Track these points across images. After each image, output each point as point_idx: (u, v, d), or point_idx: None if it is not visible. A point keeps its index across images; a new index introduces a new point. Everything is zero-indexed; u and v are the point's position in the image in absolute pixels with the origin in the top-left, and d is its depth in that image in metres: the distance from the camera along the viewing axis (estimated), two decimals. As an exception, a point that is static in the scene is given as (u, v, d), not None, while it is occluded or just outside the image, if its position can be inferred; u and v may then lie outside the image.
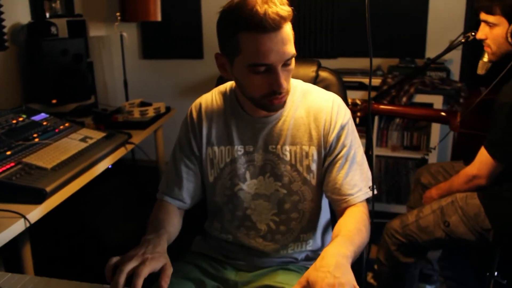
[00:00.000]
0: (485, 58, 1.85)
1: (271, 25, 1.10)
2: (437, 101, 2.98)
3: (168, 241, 1.23)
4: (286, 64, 1.17)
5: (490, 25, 1.67)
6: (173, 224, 1.34)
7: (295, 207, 1.36)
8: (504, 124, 1.59)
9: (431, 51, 3.33)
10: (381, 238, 2.04)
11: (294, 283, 1.30)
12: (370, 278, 2.26)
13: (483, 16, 1.68)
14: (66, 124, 2.28)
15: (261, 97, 1.21)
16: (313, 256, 1.45)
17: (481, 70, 1.89)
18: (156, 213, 1.37)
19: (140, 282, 1.02)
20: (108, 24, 3.80)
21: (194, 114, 1.40)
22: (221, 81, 1.72)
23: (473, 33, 1.90)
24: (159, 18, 3.33)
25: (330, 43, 3.48)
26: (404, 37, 3.34)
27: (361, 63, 3.46)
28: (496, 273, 1.98)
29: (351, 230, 1.21)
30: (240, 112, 1.35)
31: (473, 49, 3.14)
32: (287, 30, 1.14)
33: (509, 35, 1.61)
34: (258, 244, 1.41)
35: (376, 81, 3.13)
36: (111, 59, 3.93)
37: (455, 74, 3.30)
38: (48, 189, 1.64)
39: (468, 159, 1.95)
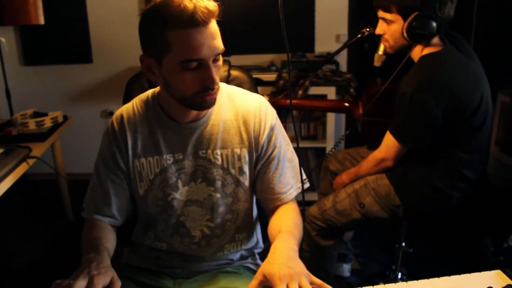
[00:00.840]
0: (380, 52, 2.02)
1: (201, 20, 1.10)
2: (330, 92, 3.17)
3: (109, 256, 1.19)
4: (215, 59, 1.17)
5: (388, 22, 1.82)
6: (109, 240, 1.29)
7: (229, 208, 1.37)
8: (406, 111, 1.76)
9: (320, 45, 3.53)
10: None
11: (237, 285, 1.35)
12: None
13: (380, 13, 1.83)
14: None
15: (194, 94, 1.19)
16: (248, 254, 1.49)
17: (377, 62, 2.06)
18: (89, 232, 1.30)
19: None
20: (-19, 29, 3.46)
21: (116, 126, 1.33)
22: (133, 85, 1.67)
23: (367, 29, 2.07)
24: (41, 21, 3.09)
25: (223, 41, 3.51)
26: (293, 33, 3.49)
27: (254, 59, 3.56)
28: (403, 244, 2.20)
29: (290, 226, 1.28)
30: (166, 120, 1.31)
31: (358, 43, 3.43)
32: (215, 25, 1.15)
33: (404, 31, 1.78)
34: (193, 251, 1.41)
35: (271, 77, 3.24)
36: (-14, 67, 3.57)
37: (343, 66, 3.54)
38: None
39: (372, 144, 2.13)
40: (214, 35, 1.14)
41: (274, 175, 1.35)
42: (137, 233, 1.48)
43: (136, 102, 1.37)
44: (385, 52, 1.99)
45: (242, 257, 1.48)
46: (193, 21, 1.10)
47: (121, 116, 1.35)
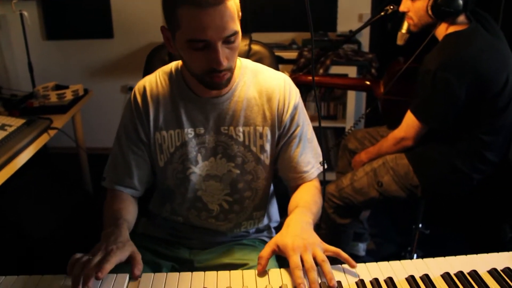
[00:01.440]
0: (404, 30, 1.99)
1: (210, 1, 1.07)
2: (351, 71, 3.13)
3: (128, 229, 1.20)
4: (228, 41, 1.13)
5: None
6: (130, 212, 1.30)
7: (249, 186, 1.37)
8: (429, 89, 1.73)
9: (342, 25, 3.48)
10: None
11: (252, 257, 1.36)
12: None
13: None
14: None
15: (202, 74, 1.18)
16: (264, 228, 1.50)
17: (400, 41, 2.03)
18: (110, 204, 1.31)
19: (108, 267, 1.00)
20: (4, 2, 3.48)
21: (139, 98, 1.33)
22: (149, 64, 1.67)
23: (391, 7, 2.03)
24: (64, -5, 3.12)
25: (243, 19, 3.48)
26: (315, 11, 3.44)
27: (275, 37, 3.52)
28: (420, 225, 2.19)
29: (308, 202, 1.29)
30: (188, 93, 1.30)
31: (381, 23, 3.37)
32: (230, 5, 1.10)
33: (429, 8, 1.74)
34: (211, 224, 1.41)
35: (292, 55, 3.21)
36: (9, 41, 3.61)
37: (365, 46, 3.49)
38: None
39: (392, 123, 2.10)
40: (225, 17, 1.09)
41: (296, 153, 1.35)
42: (154, 204, 1.50)
43: (159, 74, 1.36)
44: (408, 31, 1.96)
45: (258, 231, 1.49)
46: (201, 1, 1.06)
47: (144, 88, 1.34)
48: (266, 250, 1.09)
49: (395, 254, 2.47)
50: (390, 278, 1.00)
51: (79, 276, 0.97)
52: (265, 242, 1.47)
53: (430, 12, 1.74)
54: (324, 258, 1.04)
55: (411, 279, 1.00)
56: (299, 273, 1.00)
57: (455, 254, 1.09)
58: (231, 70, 1.20)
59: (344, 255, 1.06)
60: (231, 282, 1.02)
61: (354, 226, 2.17)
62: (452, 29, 1.76)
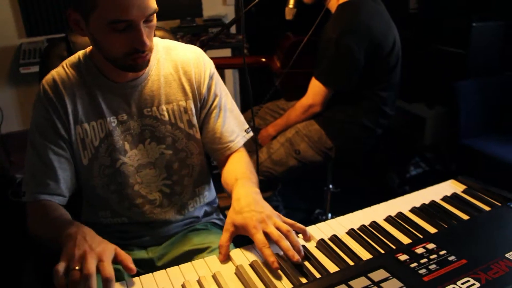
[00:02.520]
0: (291, 5, 2.08)
1: None
2: (226, 54, 3.20)
3: None
4: (148, 20, 1.08)
5: None
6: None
7: (184, 163, 1.33)
8: (332, 56, 1.86)
9: (208, 10, 3.50)
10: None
11: (211, 239, 1.33)
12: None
13: None
14: None
15: (124, 56, 1.11)
16: (211, 210, 1.47)
17: (288, 15, 2.11)
18: (42, 215, 1.15)
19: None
20: None
21: (51, 93, 1.20)
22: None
23: None
24: None
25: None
26: (181, -1, 3.42)
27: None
28: (330, 186, 2.34)
29: (246, 172, 1.27)
30: (104, 80, 1.22)
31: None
32: None
33: None
34: (157, 214, 1.33)
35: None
36: None
37: (232, 28, 3.56)
38: None
39: (290, 95, 2.21)
40: None
41: (219, 124, 1.32)
42: (87, 214, 1.36)
43: (67, 64, 1.24)
44: (295, 5, 2.06)
45: (207, 214, 1.45)
46: None
47: (53, 81, 1.21)
48: (225, 236, 1.06)
49: (308, 219, 2.61)
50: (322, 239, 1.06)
51: None
52: (216, 225, 1.46)
53: None
54: (288, 228, 1.03)
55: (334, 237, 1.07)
56: (268, 251, 0.98)
57: (358, 209, 1.19)
58: (151, 50, 1.15)
59: (300, 225, 1.08)
60: (198, 272, 0.98)
61: (271, 200, 2.24)
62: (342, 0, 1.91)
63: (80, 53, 1.26)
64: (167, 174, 1.31)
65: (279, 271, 0.95)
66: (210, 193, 1.45)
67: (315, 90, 1.96)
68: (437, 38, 3.09)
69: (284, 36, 2.28)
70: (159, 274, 0.98)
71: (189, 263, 1.01)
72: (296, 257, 0.96)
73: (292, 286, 0.91)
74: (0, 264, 2.37)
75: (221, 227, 1.46)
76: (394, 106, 2.07)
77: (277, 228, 1.02)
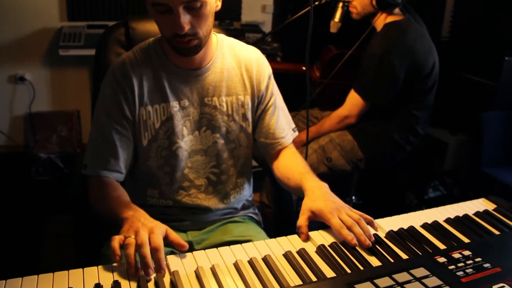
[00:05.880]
0: (336, 19, 2.17)
1: None
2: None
3: None
4: (191, 7, 1.14)
5: None
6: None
7: (232, 154, 1.41)
8: (374, 71, 1.95)
9: (246, 15, 3.61)
10: (263, 183, 2.24)
11: (251, 233, 1.40)
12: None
13: None
14: None
15: (170, 38, 1.20)
16: (249, 204, 1.55)
17: (333, 29, 2.20)
18: (101, 192, 1.25)
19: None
20: None
21: (120, 75, 1.29)
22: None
23: None
24: None
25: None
26: (222, 2, 3.50)
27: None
28: (353, 197, 2.42)
29: (306, 167, 1.39)
30: (170, 66, 1.31)
31: (281, 11, 3.57)
32: None
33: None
34: (201, 200, 1.41)
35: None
36: None
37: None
38: None
39: (325, 105, 2.30)
40: None
41: (273, 121, 1.42)
42: (134, 193, 1.43)
43: (136, 50, 1.34)
44: (341, 19, 2.15)
45: (244, 207, 1.53)
46: None
47: (123, 62, 1.31)
48: (303, 218, 1.16)
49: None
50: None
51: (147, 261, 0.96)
52: (253, 219, 1.53)
53: (374, 2, 1.95)
54: (359, 216, 1.15)
55: None
56: (346, 231, 1.09)
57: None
58: (197, 36, 1.20)
59: (367, 216, 1.17)
60: (236, 256, 1.05)
61: (298, 204, 2.31)
62: (390, 19, 2.00)
63: (151, 39, 1.35)
64: (216, 162, 1.39)
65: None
66: (249, 187, 1.53)
67: (353, 102, 2.04)
68: (467, 67, 3.17)
69: (326, 48, 2.37)
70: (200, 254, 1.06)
71: (226, 247, 1.09)
72: (367, 242, 1.07)
73: (350, 270, 1.00)
74: (20, 241, 2.45)
75: (257, 222, 1.54)
76: (426, 126, 2.15)
77: (349, 216, 1.13)
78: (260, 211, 2.22)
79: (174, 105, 1.31)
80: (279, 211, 2.20)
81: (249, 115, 1.39)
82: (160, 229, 1.05)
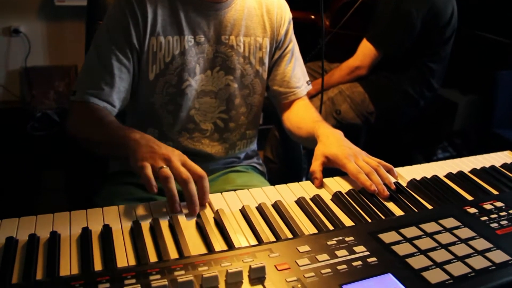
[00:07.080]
0: None
1: None
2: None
3: None
4: None
5: None
6: None
7: (244, 101, 1.31)
8: (388, 19, 1.82)
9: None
10: (266, 139, 2.13)
11: (255, 183, 1.31)
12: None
13: None
14: None
15: None
16: (252, 154, 1.45)
17: None
18: (95, 116, 1.09)
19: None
20: None
21: None
22: None
23: None
24: None
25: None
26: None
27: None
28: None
29: (319, 116, 1.30)
30: None
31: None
32: None
33: None
34: (204, 145, 1.30)
35: None
36: None
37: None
38: None
39: (334, 56, 2.16)
40: None
41: (289, 68, 1.33)
42: None
43: None
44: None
45: (247, 156, 1.43)
46: None
47: None
48: (316, 163, 1.07)
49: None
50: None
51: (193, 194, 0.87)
52: (256, 169, 1.44)
53: None
54: (377, 163, 1.05)
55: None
56: (363, 176, 1.00)
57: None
58: None
59: (387, 164, 1.09)
60: (243, 201, 0.94)
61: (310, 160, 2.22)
62: None
63: None
64: (226, 107, 1.29)
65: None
66: (255, 139, 1.44)
67: (365, 52, 1.91)
68: (481, 25, 3.02)
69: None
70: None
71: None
72: (386, 193, 0.98)
73: (371, 219, 0.90)
74: (16, 196, 2.40)
75: (261, 172, 1.45)
76: (441, 80, 2.03)
77: (367, 162, 1.04)
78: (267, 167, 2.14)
79: (189, 39, 1.19)
80: (285, 166, 2.12)
81: (266, 59, 1.29)
82: (184, 156, 0.94)
